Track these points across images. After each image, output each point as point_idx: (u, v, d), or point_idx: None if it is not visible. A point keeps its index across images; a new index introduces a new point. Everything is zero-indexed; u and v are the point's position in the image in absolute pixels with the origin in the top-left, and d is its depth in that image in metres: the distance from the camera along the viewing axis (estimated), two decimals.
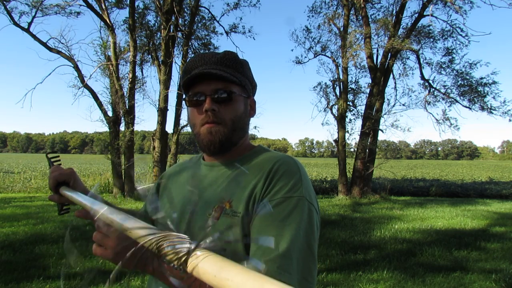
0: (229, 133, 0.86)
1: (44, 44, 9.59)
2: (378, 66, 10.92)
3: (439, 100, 11.91)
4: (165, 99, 10.00)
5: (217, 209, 0.80)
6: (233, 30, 12.08)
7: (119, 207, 0.64)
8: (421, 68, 11.81)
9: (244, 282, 0.33)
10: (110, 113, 9.86)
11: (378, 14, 11.74)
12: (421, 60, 11.76)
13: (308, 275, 0.71)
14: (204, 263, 0.38)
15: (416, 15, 11.01)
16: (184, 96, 0.94)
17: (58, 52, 9.76)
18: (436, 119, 11.89)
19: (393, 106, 11.55)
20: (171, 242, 0.43)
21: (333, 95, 11.59)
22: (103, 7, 9.73)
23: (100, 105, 9.80)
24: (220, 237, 0.44)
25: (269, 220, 0.74)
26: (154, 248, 0.45)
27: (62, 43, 9.83)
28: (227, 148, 0.88)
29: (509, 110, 10.83)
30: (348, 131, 11.21)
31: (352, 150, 12.33)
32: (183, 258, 0.41)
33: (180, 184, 0.97)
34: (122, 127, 10.00)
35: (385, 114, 11.28)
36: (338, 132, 11.13)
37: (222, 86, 0.86)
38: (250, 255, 0.73)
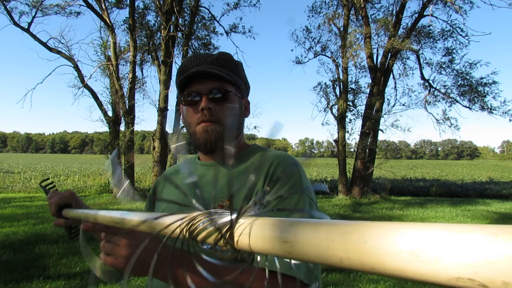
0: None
1: (44, 44, 9.60)
2: (378, 66, 10.92)
3: (439, 100, 11.94)
4: (165, 99, 10.01)
5: (217, 207, 0.81)
6: (233, 30, 12.09)
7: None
8: (421, 68, 11.83)
9: (310, 238, 0.24)
10: (110, 113, 9.87)
11: (378, 14, 11.76)
12: (421, 60, 11.78)
13: (314, 268, 0.74)
14: (254, 229, 0.28)
15: (416, 15, 11.02)
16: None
17: (58, 52, 9.77)
18: (436, 119, 11.91)
19: (393, 106, 11.55)
20: (209, 220, 0.33)
21: (333, 95, 11.61)
22: (103, 7, 9.74)
23: (100, 105, 9.81)
24: (262, 200, 0.34)
25: (273, 217, 0.75)
26: (187, 236, 0.34)
27: (62, 43, 9.86)
28: (222, 147, 0.89)
29: (509, 110, 10.83)
30: (348, 131, 11.22)
31: (352, 150, 12.33)
32: (228, 232, 0.30)
33: (179, 184, 0.97)
34: (122, 127, 10.01)
35: (385, 114, 11.30)
36: (338, 132, 11.13)
37: (217, 85, 0.87)
38: None
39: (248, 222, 0.29)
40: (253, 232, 0.28)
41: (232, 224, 0.30)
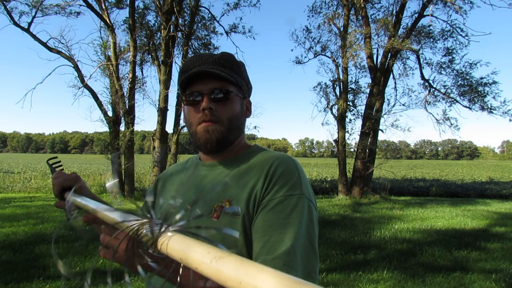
0: (225, 132, 0.87)
1: (44, 44, 9.59)
2: (378, 66, 10.92)
3: (439, 100, 11.94)
4: (165, 99, 10.00)
5: (217, 208, 0.81)
6: (233, 30, 12.09)
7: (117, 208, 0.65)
8: (421, 68, 11.82)
9: (202, 257, 0.36)
10: (110, 113, 9.86)
11: (378, 14, 11.77)
12: (421, 60, 11.77)
13: (312, 270, 0.73)
14: (171, 241, 0.42)
15: (416, 15, 11.02)
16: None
17: (58, 52, 9.76)
18: (436, 119, 11.91)
19: (393, 106, 11.56)
20: (149, 227, 0.47)
21: (333, 95, 11.61)
22: (103, 7, 9.73)
23: (100, 105, 9.80)
24: (190, 222, 0.47)
25: (272, 218, 0.76)
26: (135, 234, 0.48)
27: (62, 43, 9.85)
28: (223, 147, 0.89)
29: (509, 110, 10.84)
30: (348, 131, 11.22)
31: (352, 150, 12.33)
32: (154, 238, 0.44)
33: (180, 185, 0.97)
34: (122, 127, 10.00)
35: (385, 114, 11.30)
36: (338, 132, 11.13)
37: (219, 85, 0.87)
38: (254, 253, 0.75)
39: (168, 235, 0.43)
40: (168, 243, 0.42)
41: (158, 234, 0.44)
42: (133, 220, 0.49)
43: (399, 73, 12.21)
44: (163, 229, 0.44)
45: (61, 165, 1.06)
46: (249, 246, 0.77)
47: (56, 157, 1.09)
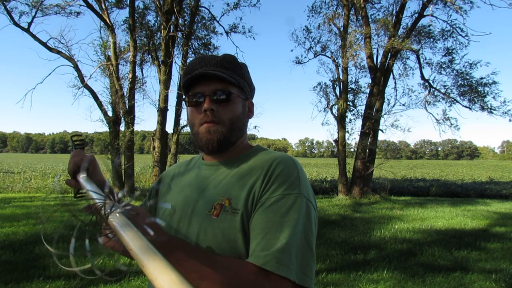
0: (227, 133, 0.88)
1: (44, 44, 9.58)
2: (378, 66, 10.92)
3: (439, 100, 11.93)
4: (165, 99, 10.00)
5: (217, 206, 0.83)
6: (233, 30, 12.09)
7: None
8: (421, 68, 11.82)
9: (129, 238, 0.53)
10: (110, 113, 9.85)
11: (378, 14, 11.77)
12: (421, 60, 11.77)
13: (307, 270, 0.73)
14: (114, 220, 0.58)
15: (416, 15, 11.02)
16: (183, 97, 0.97)
17: (58, 52, 9.75)
18: (436, 119, 11.91)
19: (393, 106, 11.56)
20: (107, 207, 0.61)
21: (333, 95, 11.61)
22: (103, 7, 9.73)
23: (100, 105, 9.79)
24: (131, 208, 0.63)
25: (269, 216, 0.76)
26: (99, 209, 0.61)
27: (62, 43, 9.84)
28: (225, 148, 0.90)
29: (509, 110, 10.84)
30: (348, 131, 11.21)
31: (352, 150, 12.33)
32: (106, 216, 0.59)
33: (182, 185, 0.98)
34: (122, 127, 9.99)
35: (385, 114, 11.30)
36: (338, 132, 11.13)
37: (221, 87, 0.88)
38: (250, 250, 0.75)
39: (114, 214, 0.59)
40: (112, 220, 0.59)
41: (109, 213, 0.59)
42: (101, 200, 0.64)
43: (399, 73, 12.23)
44: (113, 209, 0.59)
45: (82, 145, 1.08)
46: (247, 244, 0.78)
47: (81, 135, 1.10)
